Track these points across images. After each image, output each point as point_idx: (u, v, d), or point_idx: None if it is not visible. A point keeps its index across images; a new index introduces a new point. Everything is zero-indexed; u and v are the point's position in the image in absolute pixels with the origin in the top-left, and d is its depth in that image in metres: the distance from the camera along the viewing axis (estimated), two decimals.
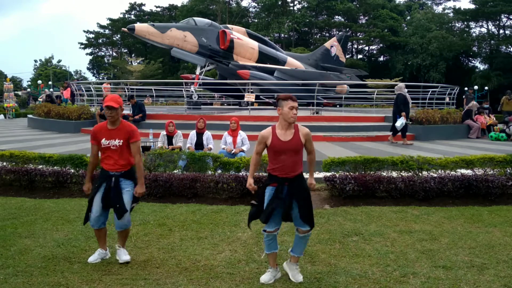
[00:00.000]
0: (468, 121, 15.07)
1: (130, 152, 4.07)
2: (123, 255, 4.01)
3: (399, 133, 12.19)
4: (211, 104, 25.96)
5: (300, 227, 3.64)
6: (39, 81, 34.55)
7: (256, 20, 54.81)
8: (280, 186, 3.57)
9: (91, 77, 67.39)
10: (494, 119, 15.87)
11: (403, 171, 6.66)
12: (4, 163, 7.19)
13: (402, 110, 11.96)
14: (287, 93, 3.92)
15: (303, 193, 3.62)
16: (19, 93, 30.75)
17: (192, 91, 20.05)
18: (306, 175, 3.76)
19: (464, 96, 22.48)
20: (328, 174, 6.50)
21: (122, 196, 3.97)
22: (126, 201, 3.97)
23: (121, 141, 3.99)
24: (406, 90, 12.70)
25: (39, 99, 26.06)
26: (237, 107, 22.45)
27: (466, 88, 35.47)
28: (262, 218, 3.60)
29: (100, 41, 64.73)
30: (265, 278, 3.61)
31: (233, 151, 8.04)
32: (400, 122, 11.86)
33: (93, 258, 4.05)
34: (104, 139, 4.02)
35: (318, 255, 4.20)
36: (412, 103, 20.29)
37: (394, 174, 6.61)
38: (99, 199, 3.99)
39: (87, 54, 65.97)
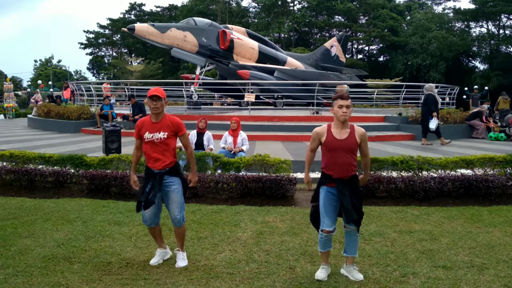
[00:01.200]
0: (474, 121, 15.01)
1: (175, 147, 4.00)
2: (180, 260, 3.94)
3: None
4: (211, 104, 25.95)
5: (348, 225, 3.65)
6: (39, 81, 34.52)
7: (256, 20, 54.84)
8: (339, 186, 3.55)
9: (91, 77, 67.45)
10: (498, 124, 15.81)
11: (403, 171, 6.66)
12: (4, 163, 7.19)
13: (433, 110, 11.93)
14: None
15: (358, 193, 3.62)
16: (19, 93, 30.76)
17: (192, 91, 20.05)
18: None
19: (468, 97, 22.44)
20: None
21: (166, 198, 3.92)
22: (176, 200, 3.90)
23: (166, 133, 3.88)
24: (436, 90, 12.66)
25: (32, 99, 25.99)
26: (237, 107, 22.45)
27: (466, 88, 35.49)
28: (321, 220, 3.63)
29: (100, 41, 64.75)
30: (321, 275, 3.63)
31: (233, 151, 8.04)
32: (435, 124, 11.88)
33: (154, 260, 3.97)
34: (147, 132, 3.91)
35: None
36: (412, 103, 20.38)
37: (394, 174, 6.61)
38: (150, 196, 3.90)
39: (87, 54, 66.07)
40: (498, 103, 17.87)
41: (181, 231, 4.02)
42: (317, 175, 5.28)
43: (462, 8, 49.67)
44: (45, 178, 6.80)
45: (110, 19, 62.40)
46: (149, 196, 3.85)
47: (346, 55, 33.70)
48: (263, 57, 21.82)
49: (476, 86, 29.47)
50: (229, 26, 22.65)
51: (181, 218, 3.95)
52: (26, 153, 7.28)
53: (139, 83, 30.78)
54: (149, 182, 3.91)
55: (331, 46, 26.77)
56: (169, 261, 4.03)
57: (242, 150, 8.13)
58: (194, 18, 20.96)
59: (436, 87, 18.85)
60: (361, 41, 56.13)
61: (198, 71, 20.38)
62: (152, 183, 3.87)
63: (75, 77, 71.48)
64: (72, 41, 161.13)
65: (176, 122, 3.96)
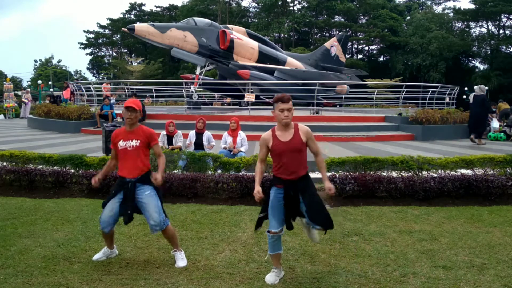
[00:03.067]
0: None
1: (147, 155, 4.06)
2: (179, 260, 3.95)
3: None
4: (211, 104, 25.97)
5: (313, 226, 3.64)
6: (39, 81, 34.56)
7: (256, 20, 54.87)
8: (287, 188, 3.53)
9: (91, 77, 67.48)
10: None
11: (403, 171, 6.65)
12: (4, 163, 7.18)
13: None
14: (287, 93, 3.89)
15: (309, 191, 3.58)
16: (19, 93, 30.73)
17: (192, 91, 20.05)
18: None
19: (468, 97, 22.38)
20: (328, 174, 6.48)
21: (141, 206, 3.93)
22: (152, 204, 3.91)
23: (138, 141, 3.96)
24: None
25: (24, 100, 25.97)
26: (237, 107, 22.46)
27: (466, 88, 35.43)
28: (269, 220, 3.61)
29: (100, 41, 64.79)
30: (270, 278, 3.59)
31: (233, 152, 8.03)
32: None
33: (97, 256, 4.05)
34: (121, 140, 3.99)
35: (318, 255, 4.20)
36: (412, 103, 20.39)
37: (394, 174, 6.61)
38: (112, 205, 3.94)
39: (87, 54, 66.11)
40: (499, 108, 17.88)
41: (169, 233, 3.99)
42: (317, 175, 5.30)
43: (462, 8, 49.73)
44: (45, 178, 6.80)
45: (110, 19, 62.46)
46: (128, 211, 3.90)
47: (346, 55, 33.72)
48: (263, 57, 21.83)
49: (486, 87, 29.45)
50: (229, 26, 22.67)
51: (163, 219, 3.91)
52: (26, 153, 7.28)
53: (139, 83, 30.81)
54: (119, 191, 3.96)
55: (331, 46, 26.78)
56: (169, 261, 4.03)
57: (240, 151, 8.14)
58: (194, 18, 20.97)
59: (436, 87, 18.91)
60: (361, 41, 56.17)
61: (198, 71, 20.39)
62: (125, 193, 3.92)
63: (75, 77, 71.50)
64: (72, 41, 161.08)
65: (149, 132, 4.06)
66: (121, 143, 3.98)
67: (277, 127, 3.62)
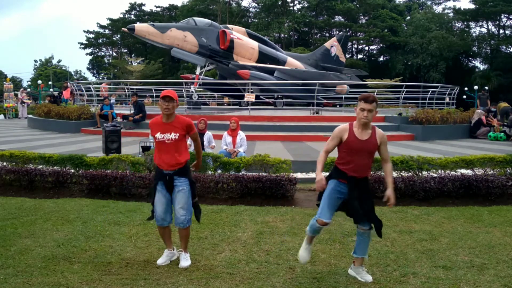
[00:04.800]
0: (481, 130, 14.99)
1: (186, 146, 4.07)
2: (183, 260, 3.95)
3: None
4: (208, 104, 25.94)
5: (361, 225, 3.63)
6: (39, 81, 34.52)
7: (256, 20, 54.82)
8: (351, 184, 3.55)
9: (91, 77, 67.50)
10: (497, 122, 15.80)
11: (403, 171, 6.66)
12: (4, 163, 7.18)
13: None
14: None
15: (369, 194, 3.64)
16: (19, 93, 30.74)
17: (192, 91, 20.05)
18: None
19: (468, 97, 22.36)
20: (328, 174, 6.49)
21: (174, 198, 3.96)
22: (181, 200, 3.93)
23: (177, 134, 3.93)
24: None
25: (25, 100, 25.94)
26: (237, 107, 22.45)
27: (466, 88, 35.46)
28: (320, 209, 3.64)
29: (100, 41, 64.76)
30: (304, 255, 3.70)
31: (233, 155, 8.00)
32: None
33: (162, 261, 3.99)
34: (159, 132, 3.94)
35: (318, 255, 4.20)
36: (412, 103, 20.38)
37: (394, 174, 6.61)
38: (160, 199, 3.97)
39: (87, 54, 66.08)
40: (498, 107, 17.86)
41: (185, 233, 4.02)
42: (305, 175, 5.30)
43: (462, 8, 49.76)
44: (45, 178, 6.80)
45: (110, 19, 62.43)
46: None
47: (346, 55, 33.71)
48: (263, 57, 21.82)
49: (486, 87, 29.51)
50: (229, 26, 22.66)
51: (186, 219, 3.94)
52: (26, 153, 7.28)
53: (139, 83, 30.80)
54: (158, 183, 3.99)
55: (331, 46, 26.77)
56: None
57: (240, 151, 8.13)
58: (194, 18, 20.97)
59: (436, 87, 18.91)
60: (361, 41, 56.14)
61: (198, 71, 20.38)
62: (163, 185, 3.95)
63: (75, 77, 71.53)
64: (72, 41, 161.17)
65: (187, 123, 4.02)
66: (159, 136, 3.93)
67: (356, 123, 3.62)
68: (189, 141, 8.27)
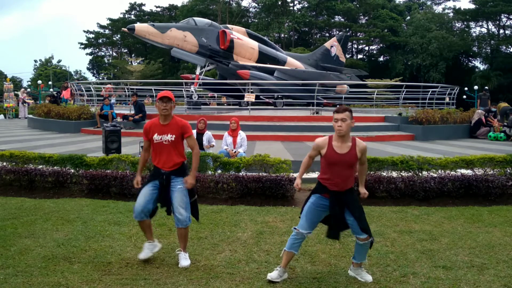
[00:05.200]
0: (481, 130, 14.99)
1: (182, 148, 4.07)
2: (182, 260, 3.95)
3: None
4: (208, 104, 25.95)
5: (358, 235, 3.61)
6: (39, 81, 34.51)
7: (256, 20, 54.84)
8: (332, 199, 3.55)
9: (91, 77, 67.50)
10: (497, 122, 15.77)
11: (403, 171, 6.65)
12: (4, 163, 7.18)
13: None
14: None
15: (356, 205, 3.60)
16: (19, 93, 30.74)
17: (192, 91, 20.05)
18: None
19: (478, 97, 22.30)
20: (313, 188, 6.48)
21: (172, 198, 3.97)
22: (179, 199, 3.95)
23: (174, 136, 3.96)
24: None
25: (27, 100, 25.94)
26: (237, 107, 22.45)
27: (466, 88, 35.45)
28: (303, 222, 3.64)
29: (100, 41, 64.77)
30: (273, 275, 3.59)
31: (231, 156, 7.99)
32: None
33: (143, 255, 4.01)
34: (156, 134, 3.98)
35: (318, 255, 4.20)
36: (412, 103, 20.38)
37: (394, 174, 6.61)
38: (147, 192, 3.99)
39: (87, 54, 66.10)
40: (498, 107, 17.86)
41: (185, 232, 4.02)
42: (316, 175, 5.30)
43: (462, 8, 49.77)
44: (45, 178, 6.80)
45: (110, 19, 62.46)
46: (165, 201, 3.98)
47: (346, 55, 33.72)
48: (263, 57, 21.82)
49: (486, 87, 29.47)
50: (229, 26, 22.65)
51: (186, 218, 3.96)
52: (26, 153, 7.28)
53: (139, 83, 30.82)
54: (154, 180, 4.00)
55: (331, 46, 26.77)
56: (169, 261, 4.03)
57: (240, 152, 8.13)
58: (194, 18, 20.96)
59: (436, 87, 18.91)
60: (361, 41, 56.16)
61: (198, 71, 20.38)
62: (160, 183, 3.96)
63: (75, 77, 71.52)
64: (72, 41, 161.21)
65: (183, 124, 4.03)
66: (156, 137, 3.97)
67: (335, 136, 3.60)
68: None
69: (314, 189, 3.69)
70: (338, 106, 3.68)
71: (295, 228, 3.62)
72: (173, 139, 3.95)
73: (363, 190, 3.82)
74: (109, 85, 25.56)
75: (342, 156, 3.51)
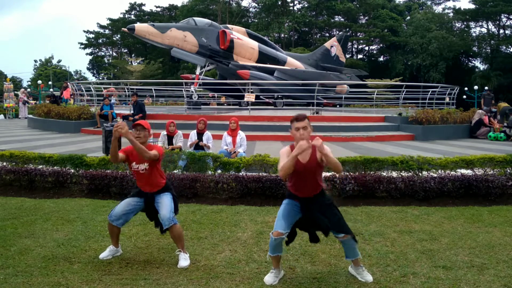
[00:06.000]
0: (482, 130, 14.98)
1: (160, 171, 4.17)
2: (182, 260, 3.97)
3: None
4: (208, 104, 25.97)
5: (336, 234, 3.61)
6: (39, 81, 34.52)
7: (256, 20, 54.85)
8: (303, 205, 3.57)
9: (91, 77, 67.51)
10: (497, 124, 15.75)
11: (403, 171, 6.65)
12: (4, 163, 7.18)
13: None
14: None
15: (328, 208, 3.59)
16: (19, 93, 30.75)
17: (192, 91, 20.05)
18: None
19: (482, 97, 22.24)
20: (328, 174, 6.49)
21: (158, 208, 4.05)
22: (165, 203, 4.03)
23: (148, 164, 4.05)
24: None
25: (20, 98, 25.92)
26: (237, 107, 22.45)
27: (466, 88, 35.45)
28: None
29: (100, 41, 64.78)
30: (269, 279, 3.58)
31: (232, 155, 8.00)
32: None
33: (104, 255, 4.08)
34: (134, 162, 4.09)
35: (318, 255, 4.20)
36: (412, 103, 20.39)
37: (394, 174, 6.61)
38: (128, 202, 4.08)
39: (87, 54, 66.11)
40: (498, 107, 17.85)
41: (176, 233, 4.00)
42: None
43: (462, 8, 49.78)
44: (45, 178, 6.79)
45: (110, 19, 62.48)
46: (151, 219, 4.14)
47: (346, 55, 33.72)
48: (263, 57, 21.82)
49: (486, 87, 29.47)
50: (229, 26, 22.66)
51: (170, 217, 3.97)
52: (26, 153, 7.28)
53: (139, 83, 30.83)
54: (139, 196, 4.13)
55: (331, 46, 26.77)
56: (169, 261, 4.03)
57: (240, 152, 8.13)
58: (194, 18, 20.97)
59: (436, 87, 18.92)
60: (361, 41, 56.17)
61: (198, 71, 20.39)
62: (145, 201, 4.10)
63: (75, 77, 71.54)
64: (72, 41, 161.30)
65: (155, 147, 4.14)
66: (134, 165, 4.10)
67: (295, 145, 3.56)
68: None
69: (286, 196, 3.73)
70: (297, 114, 3.57)
71: (272, 233, 3.57)
72: (147, 167, 4.05)
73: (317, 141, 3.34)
74: (112, 87, 25.62)
75: (306, 164, 3.51)
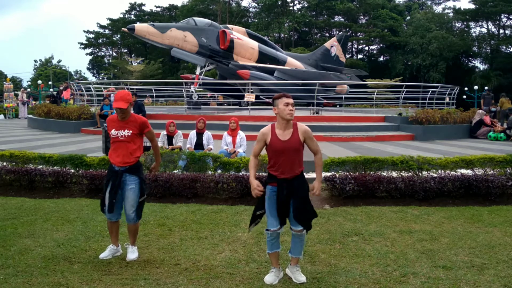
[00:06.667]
0: (482, 130, 14.98)
1: (139, 146, 4.15)
2: (130, 253, 4.08)
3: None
4: (209, 104, 25.97)
5: (293, 226, 3.61)
6: (39, 81, 34.51)
7: (256, 20, 54.81)
8: (280, 187, 3.54)
9: (91, 77, 67.48)
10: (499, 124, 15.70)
11: (403, 171, 6.65)
12: (4, 163, 7.18)
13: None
14: (287, 93, 3.87)
15: (301, 193, 3.58)
16: (19, 93, 30.75)
17: (192, 91, 20.05)
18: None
19: (482, 97, 22.24)
20: (328, 174, 6.50)
21: (124, 197, 4.08)
22: (130, 198, 4.05)
23: (130, 131, 4.04)
24: None
25: (20, 98, 25.93)
26: (237, 107, 22.45)
27: (466, 88, 35.44)
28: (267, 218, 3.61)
29: (100, 41, 64.72)
30: (269, 279, 3.59)
31: (232, 155, 7.99)
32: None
33: (104, 255, 4.09)
34: (113, 129, 4.07)
35: (318, 255, 4.20)
36: (412, 103, 20.38)
37: (394, 174, 6.61)
38: (110, 191, 4.09)
39: (87, 54, 66.04)
40: (502, 104, 17.74)
41: (133, 228, 4.16)
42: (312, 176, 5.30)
43: (462, 8, 49.73)
44: (45, 178, 6.80)
45: (110, 19, 62.41)
46: (113, 200, 4.05)
47: (346, 55, 33.72)
48: (263, 57, 21.82)
49: (486, 87, 29.44)
50: (229, 26, 22.65)
51: (135, 216, 4.08)
52: (26, 153, 7.28)
53: (139, 83, 30.82)
54: (109, 180, 4.09)
55: (331, 46, 26.76)
56: (169, 261, 4.03)
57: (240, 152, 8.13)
58: (194, 18, 20.96)
59: (436, 87, 18.91)
60: (361, 41, 56.13)
61: (198, 71, 20.38)
62: (113, 183, 4.05)
63: (75, 77, 71.55)
64: (72, 41, 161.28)
65: (141, 120, 4.15)
66: (113, 132, 4.07)
67: (277, 125, 3.61)
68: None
69: (265, 182, 3.69)
70: (279, 93, 3.64)
71: (267, 230, 3.60)
72: (129, 134, 4.04)
73: (317, 185, 3.65)
74: (112, 87, 25.64)
75: (285, 143, 3.53)
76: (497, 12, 45.98)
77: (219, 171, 6.85)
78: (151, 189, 6.28)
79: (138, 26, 18.89)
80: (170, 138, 8.44)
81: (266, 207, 3.62)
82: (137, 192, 4.07)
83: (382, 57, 57.56)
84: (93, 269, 3.83)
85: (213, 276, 3.69)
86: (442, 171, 6.68)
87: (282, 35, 54.53)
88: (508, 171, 6.77)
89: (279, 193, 3.54)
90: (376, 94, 21.36)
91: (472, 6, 48.32)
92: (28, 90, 36.60)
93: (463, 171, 6.77)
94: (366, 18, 56.94)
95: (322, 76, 22.92)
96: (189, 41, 19.10)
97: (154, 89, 25.49)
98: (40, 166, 7.06)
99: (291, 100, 3.53)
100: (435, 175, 6.54)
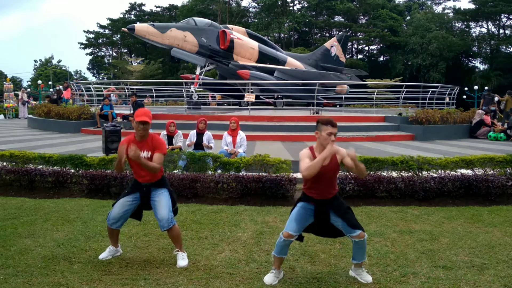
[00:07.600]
0: (482, 130, 14.96)
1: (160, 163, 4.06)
2: (180, 260, 3.96)
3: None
4: (209, 104, 25.98)
5: (351, 234, 3.56)
6: (39, 81, 34.50)
7: (256, 20, 54.83)
8: (319, 206, 3.56)
9: (91, 77, 67.52)
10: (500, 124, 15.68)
11: (403, 171, 6.66)
12: (4, 163, 7.18)
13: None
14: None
15: (342, 207, 3.60)
16: (19, 93, 30.73)
17: (192, 91, 20.05)
18: None
19: (482, 97, 22.22)
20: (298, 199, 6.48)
21: (154, 206, 4.00)
22: (164, 201, 3.97)
23: (150, 152, 4.01)
24: None
25: (20, 98, 25.92)
26: (237, 107, 22.46)
27: (466, 88, 35.45)
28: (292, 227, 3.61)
29: (100, 41, 64.75)
30: (269, 279, 3.58)
31: (232, 155, 7.99)
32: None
33: (104, 255, 4.07)
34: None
35: (318, 255, 4.20)
36: (412, 103, 20.39)
37: (394, 174, 6.61)
38: (123, 202, 4.02)
39: (87, 54, 66.09)
40: (506, 103, 17.65)
41: (174, 233, 3.99)
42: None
43: (462, 8, 49.76)
44: (45, 178, 6.80)
45: (110, 19, 62.45)
46: (140, 212, 4.07)
47: (346, 55, 33.72)
48: (263, 57, 21.82)
49: (486, 88, 29.43)
50: (229, 26, 22.66)
51: (169, 219, 3.92)
52: (26, 153, 7.28)
53: (139, 83, 30.83)
54: (134, 192, 4.04)
55: (331, 46, 26.77)
56: (169, 261, 4.03)
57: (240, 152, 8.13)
58: (194, 18, 20.97)
59: (436, 87, 18.91)
60: (361, 41, 56.15)
61: (198, 71, 20.39)
62: (141, 195, 4.01)
63: (75, 77, 71.60)
64: (72, 41, 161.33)
65: (157, 141, 4.08)
66: None
67: (316, 147, 3.57)
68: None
69: (299, 199, 3.69)
70: (326, 118, 3.59)
71: (282, 233, 3.58)
72: (149, 155, 3.99)
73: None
74: (112, 87, 25.66)
75: (325, 167, 3.49)
76: (497, 12, 46.01)
77: (219, 171, 6.85)
78: None
79: (138, 26, 18.89)
80: (170, 138, 8.44)
81: (295, 214, 3.61)
82: (168, 197, 4.01)
83: (382, 57, 57.59)
84: (93, 269, 3.83)
85: (213, 276, 3.69)
86: (442, 171, 6.68)
87: (282, 35, 54.54)
88: (508, 171, 6.77)
89: (317, 213, 3.57)
90: (376, 94, 21.37)
91: (472, 6, 48.36)
92: (28, 90, 36.59)
93: (463, 171, 6.77)
94: (366, 18, 56.96)
95: (322, 76, 22.93)
96: (189, 41, 19.11)
97: (154, 89, 25.49)
98: (40, 166, 7.06)
99: (335, 130, 3.48)
100: (435, 175, 6.54)
